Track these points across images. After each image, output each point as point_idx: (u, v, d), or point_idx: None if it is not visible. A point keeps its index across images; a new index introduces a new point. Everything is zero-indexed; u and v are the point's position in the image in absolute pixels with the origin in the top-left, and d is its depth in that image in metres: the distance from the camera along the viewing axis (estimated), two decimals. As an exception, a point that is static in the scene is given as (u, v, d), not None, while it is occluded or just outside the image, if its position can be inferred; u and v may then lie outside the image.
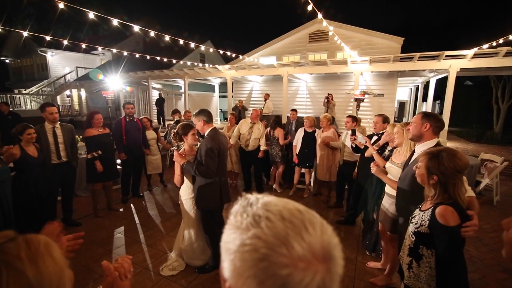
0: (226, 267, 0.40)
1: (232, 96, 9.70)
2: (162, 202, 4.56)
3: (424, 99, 11.19)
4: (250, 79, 10.61)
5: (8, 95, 14.72)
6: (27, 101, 15.49)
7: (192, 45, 7.10)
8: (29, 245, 0.51)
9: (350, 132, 3.61)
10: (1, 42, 19.37)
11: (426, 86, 10.46)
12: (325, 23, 4.88)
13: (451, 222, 1.36)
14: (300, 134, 4.55)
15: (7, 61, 19.59)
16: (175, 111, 5.54)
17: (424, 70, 7.70)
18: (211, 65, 9.22)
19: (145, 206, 4.36)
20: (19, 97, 15.39)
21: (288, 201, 0.43)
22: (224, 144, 2.59)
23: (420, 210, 1.59)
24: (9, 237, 0.52)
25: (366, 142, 2.94)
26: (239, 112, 8.91)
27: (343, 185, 4.23)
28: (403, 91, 12.17)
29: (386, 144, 3.14)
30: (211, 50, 8.20)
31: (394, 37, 9.27)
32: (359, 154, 3.58)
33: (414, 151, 2.05)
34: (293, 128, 5.12)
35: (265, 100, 9.50)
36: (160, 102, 10.76)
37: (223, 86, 12.33)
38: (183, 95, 11.62)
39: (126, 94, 12.81)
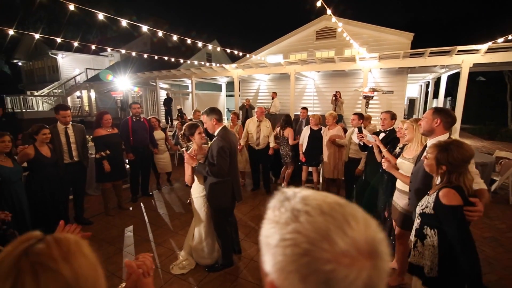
0: (267, 261, 0.40)
1: (239, 95, 9.68)
2: (171, 201, 4.59)
3: (435, 96, 10.94)
4: (257, 77, 10.58)
5: (21, 96, 15.10)
6: (39, 102, 15.86)
7: (200, 44, 7.14)
8: (59, 244, 0.50)
9: (356, 129, 3.57)
10: (14, 45, 19.88)
11: (437, 82, 10.24)
12: (334, 19, 4.80)
13: (453, 201, 1.48)
14: (306, 132, 4.51)
15: (20, 63, 20.10)
16: (181, 115, 5.50)
17: (435, 66, 7.53)
18: (218, 65, 9.23)
19: (155, 205, 4.40)
20: (32, 99, 15.76)
21: (327, 195, 0.42)
22: (235, 143, 2.59)
23: (427, 195, 1.70)
24: (37, 237, 0.51)
25: (375, 140, 2.89)
26: (246, 112, 8.89)
27: (352, 182, 4.17)
28: (413, 88, 11.93)
29: (396, 141, 3.09)
30: (218, 49, 8.20)
31: (403, 32, 9.08)
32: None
33: (426, 146, 2.03)
34: (303, 127, 5.04)
35: (272, 99, 9.46)
36: (168, 102, 10.84)
37: (230, 85, 12.34)
38: (190, 94, 11.69)
39: (134, 95, 12.97)
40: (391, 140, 3.12)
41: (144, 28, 4.92)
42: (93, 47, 5.86)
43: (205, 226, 2.73)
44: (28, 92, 18.75)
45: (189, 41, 6.45)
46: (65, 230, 1.03)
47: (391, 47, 9.13)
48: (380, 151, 3.13)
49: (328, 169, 4.39)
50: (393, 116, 3.31)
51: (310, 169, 4.73)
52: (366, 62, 7.15)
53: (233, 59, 15.96)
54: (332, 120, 4.25)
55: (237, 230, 2.98)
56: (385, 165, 2.45)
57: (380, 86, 8.43)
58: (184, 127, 2.66)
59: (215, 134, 2.54)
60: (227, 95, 13.56)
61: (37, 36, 4.51)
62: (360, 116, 3.93)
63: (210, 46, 8.22)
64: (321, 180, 4.88)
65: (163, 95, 12.82)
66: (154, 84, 11.50)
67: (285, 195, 0.43)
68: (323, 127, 4.48)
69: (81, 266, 0.49)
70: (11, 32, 4.24)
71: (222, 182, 2.49)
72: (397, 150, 2.91)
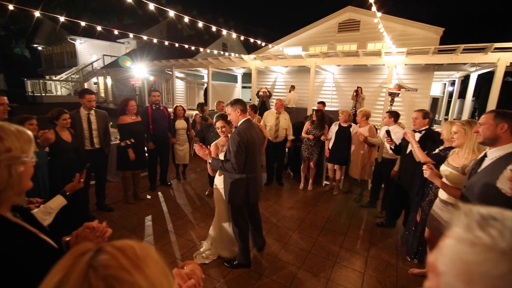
0: None
1: (256, 88, 9.50)
2: (190, 192, 4.55)
3: (460, 95, 10.44)
4: (274, 69, 10.36)
5: (41, 81, 15.40)
6: (57, 87, 16.16)
7: (214, 28, 6.94)
8: (124, 252, 0.44)
9: (385, 132, 3.41)
10: (34, 30, 20.21)
11: (464, 81, 9.74)
12: (374, 8, 4.50)
13: None
14: (334, 128, 4.34)
15: (40, 48, 20.45)
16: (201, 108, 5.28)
17: (465, 64, 7.12)
18: (236, 55, 9.05)
19: (173, 195, 4.37)
20: (50, 83, 16.06)
21: None
22: (255, 138, 2.41)
23: None
24: (93, 249, 0.44)
25: (407, 134, 2.71)
26: (263, 103, 8.69)
27: (380, 184, 4.00)
28: (436, 87, 11.42)
29: (435, 144, 2.90)
30: (233, 35, 7.96)
31: (432, 27, 8.62)
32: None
33: (485, 156, 1.79)
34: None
35: (290, 92, 9.23)
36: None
37: (246, 76, 12.15)
38: (205, 85, 11.58)
39: (149, 84, 12.98)
40: (428, 141, 2.93)
41: (171, 13, 4.76)
42: (116, 32, 5.78)
43: (226, 217, 2.69)
44: (47, 77, 19.12)
45: (201, 24, 6.21)
46: (93, 228, 1.00)
47: (417, 42, 8.70)
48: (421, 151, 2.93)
49: (355, 169, 4.23)
50: (425, 115, 3.09)
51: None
52: (392, 57, 6.83)
53: (249, 50, 15.71)
54: (361, 117, 4.05)
55: (260, 227, 2.88)
56: (427, 173, 2.18)
57: (403, 83, 8.08)
58: (214, 120, 2.63)
59: (238, 126, 2.42)
60: (242, 87, 13.39)
61: (62, 19, 4.47)
62: (390, 114, 3.72)
63: (225, 33, 7.90)
64: (342, 179, 4.71)
65: (178, 84, 12.78)
66: (170, 73, 11.44)
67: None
68: (353, 124, 4.29)
69: (154, 271, 0.45)
70: (37, 13, 4.21)
71: (236, 179, 2.38)
72: (437, 151, 2.73)
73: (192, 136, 5.00)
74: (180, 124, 4.68)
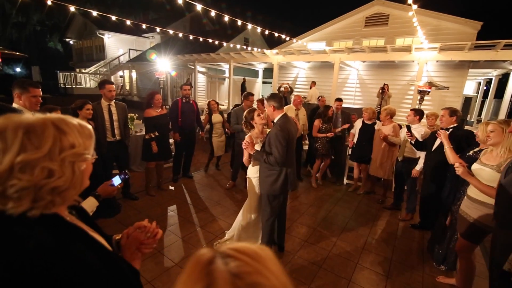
0: None
1: (278, 83, 9.41)
2: (212, 184, 4.63)
3: (496, 95, 9.72)
4: (296, 65, 10.19)
5: (72, 73, 16.24)
6: (86, 79, 16.96)
7: (239, 22, 6.93)
8: (251, 256, 0.43)
9: (405, 128, 3.34)
10: (67, 25, 21.30)
11: (502, 80, 9.06)
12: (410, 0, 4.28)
13: None
14: (358, 125, 4.24)
15: (71, 42, 21.55)
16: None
17: (505, 61, 6.60)
18: (258, 49, 9.00)
19: (196, 187, 4.46)
20: (80, 76, 16.89)
21: None
22: (293, 133, 2.47)
23: None
24: (214, 255, 0.43)
25: (441, 135, 2.57)
26: (284, 98, 8.57)
27: (403, 185, 3.85)
28: (469, 85, 10.71)
29: (464, 141, 2.75)
30: (258, 30, 7.91)
31: (469, 21, 8.04)
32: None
33: None
34: (340, 119, 4.76)
35: (310, 88, 9.05)
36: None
37: (267, 71, 12.06)
38: (226, 79, 11.65)
39: (172, 79, 13.26)
40: (457, 139, 2.77)
41: (189, 6, 4.83)
42: (143, 26, 5.95)
43: (254, 209, 2.71)
44: (77, 70, 20.12)
45: (226, 17, 6.23)
46: (145, 228, 0.96)
47: (452, 37, 8.17)
48: (454, 152, 2.79)
49: (374, 166, 4.10)
50: (452, 113, 2.98)
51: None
52: (423, 53, 6.48)
53: (270, 44, 15.56)
54: (385, 115, 3.89)
55: (284, 225, 2.86)
56: (459, 171, 2.14)
57: (433, 81, 7.65)
58: (244, 113, 2.67)
59: (275, 121, 2.46)
60: (263, 82, 13.32)
61: (94, 13, 4.68)
62: (415, 112, 3.58)
63: (250, 27, 7.86)
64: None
65: (200, 78, 12.96)
66: (193, 67, 11.62)
67: None
68: (377, 121, 4.17)
69: (279, 272, 0.44)
70: (72, 8, 4.43)
71: (277, 170, 2.44)
72: (471, 153, 2.57)
73: (227, 128, 5.06)
74: (216, 118, 4.82)
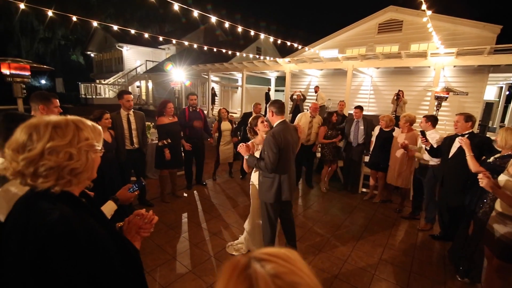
0: None
1: (290, 92, 9.45)
2: (224, 192, 4.66)
3: (520, 100, 9.29)
4: (308, 73, 10.21)
5: (92, 84, 17.04)
6: (106, 90, 17.72)
7: (252, 33, 7.08)
8: (284, 258, 0.46)
9: (420, 133, 3.29)
10: (89, 39, 22.48)
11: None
12: (424, 6, 4.25)
13: None
14: (375, 132, 4.18)
15: (92, 55, 22.68)
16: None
17: (528, 64, 6.33)
18: (271, 58, 9.11)
19: (208, 195, 4.50)
20: (100, 87, 17.68)
21: None
22: (289, 140, 2.44)
23: None
24: (248, 260, 0.45)
25: (463, 142, 2.48)
26: (296, 106, 8.60)
27: (421, 193, 3.71)
28: (490, 90, 10.30)
29: (483, 148, 2.64)
30: (271, 39, 8.03)
31: (488, 25, 7.81)
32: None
33: None
34: (361, 127, 4.56)
35: (316, 92, 9.10)
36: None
37: (279, 80, 12.15)
38: (239, 88, 11.83)
39: (186, 88, 13.62)
40: (475, 146, 2.68)
41: (203, 18, 5.00)
42: (160, 38, 6.20)
43: (258, 214, 2.73)
44: (97, 81, 21.08)
45: (240, 28, 6.38)
46: (143, 215, 1.14)
47: (469, 42, 7.96)
48: (475, 160, 2.69)
49: (391, 174, 3.99)
50: (467, 118, 2.89)
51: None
52: (439, 59, 6.33)
53: (282, 53, 15.71)
54: (404, 123, 3.80)
55: (294, 232, 2.82)
56: (483, 182, 2.00)
57: (451, 86, 7.43)
58: (250, 119, 2.72)
59: (273, 127, 2.49)
60: (275, 90, 13.41)
61: (115, 27, 4.94)
62: (428, 118, 3.49)
63: (262, 37, 7.99)
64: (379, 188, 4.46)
65: (214, 87, 13.21)
66: (206, 76, 11.89)
67: None
68: (396, 128, 4.09)
69: (309, 272, 0.47)
70: (95, 23, 4.70)
71: (268, 177, 2.45)
72: (491, 159, 2.46)
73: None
74: (225, 125, 4.89)
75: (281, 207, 2.62)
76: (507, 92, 10.17)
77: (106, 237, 0.78)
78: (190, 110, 4.47)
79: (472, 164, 2.35)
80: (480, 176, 2.06)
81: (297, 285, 0.42)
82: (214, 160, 5.16)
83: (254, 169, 2.70)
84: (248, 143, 2.60)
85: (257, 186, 2.67)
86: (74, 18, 4.49)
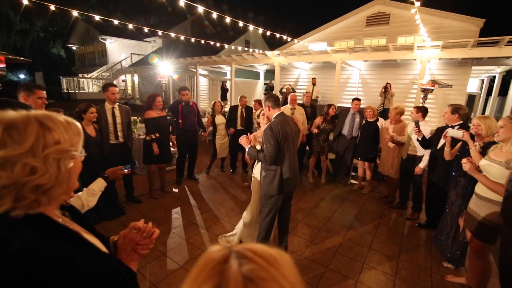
0: None
1: (280, 85, 9.40)
2: (215, 186, 4.61)
3: (501, 92, 9.63)
4: (297, 66, 10.18)
5: (75, 78, 16.40)
6: (89, 84, 17.11)
7: (241, 24, 6.95)
8: (267, 259, 0.40)
9: (413, 124, 3.31)
10: (70, 31, 21.53)
11: (506, 77, 8.97)
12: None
13: None
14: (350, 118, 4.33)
15: (74, 48, 21.77)
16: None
17: (509, 57, 6.54)
18: (260, 51, 9.01)
19: (199, 190, 4.44)
20: (83, 81, 17.04)
21: None
22: (288, 131, 2.42)
23: None
24: (228, 254, 0.40)
25: (463, 135, 2.49)
26: (286, 99, 8.58)
27: (408, 183, 3.80)
28: (473, 83, 10.62)
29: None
30: (260, 31, 7.92)
31: (472, 18, 7.99)
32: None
33: None
34: (357, 120, 4.49)
35: (314, 84, 9.07)
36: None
37: (269, 73, 12.08)
38: (228, 81, 11.67)
39: (174, 82, 13.32)
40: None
41: (190, 9, 4.86)
42: (145, 30, 5.99)
43: (258, 207, 2.72)
44: (80, 75, 20.31)
45: (227, 19, 6.23)
46: (140, 229, 0.92)
47: (454, 35, 8.13)
48: (451, 149, 2.77)
49: (383, 165, 4.06)
50: (454, 110, 2.94)
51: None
52: (425, 51, 6.43)
53: (271, 46, 15.59)
54: (395, 115, 3.83)
55: (287, 228, 2.81)
56: (466, 167, 2.12)
57: (436, 79, 7.60)
58: (256, 113, 2.83)
59: (271, 120, 2.47)
60: (264, 84, 13.33)
61: (97, 17, 4.71)
62: (418, 109, 3.56)
63: (251, 28, 7.80)
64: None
65: (202, 81, 12.98)
66: (194, 70, 11.65)
67: None
68: (379, 118, 4.15)
69: (294, 279, 0.40)
70: (75, 13, 4.47)
71: (270, 170, 2.44)
72: (478, 148, 2.52)
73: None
74: (220, 119, 4.82)
75: (283, 199, 2.62)
76: (488, 85, 10.53)
77: (89, 268, 0.61)
78: (183, 104, 4.37)
79: (475, 156, 2.33)
80: (463, 160, 2.15)
81: None
82: (207, 154, 5.10)
83: (256, 162, 2.71)
84: (250, 135, 2.60)
85: (258, 179, 2.65)
86: (52, 7, 4.24)
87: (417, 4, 4.05)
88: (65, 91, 15.83)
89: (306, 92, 5.85)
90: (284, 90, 8.62)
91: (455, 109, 2.96)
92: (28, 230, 0.57)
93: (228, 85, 11.66)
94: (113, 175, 1.49)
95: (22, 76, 26.72)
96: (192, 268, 0.40)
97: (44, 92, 2.34)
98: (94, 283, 0.60)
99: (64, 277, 0.54)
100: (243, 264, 0.38)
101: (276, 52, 8.76)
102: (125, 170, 1.53)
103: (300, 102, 5.18)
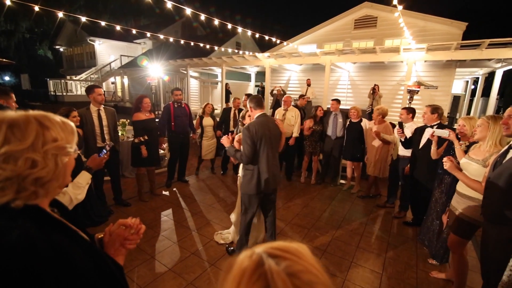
0: None
1: (270, 87, 9.46)
2: (205, 188, 4.59)
3: (484, 93, 9.95)
4: (288, 68, 10.28)
5: (62, 80, 16.05)
6: (77, 86, 16.77)
7: (230, 26, 6.98)
8: (296, 254, 0.42)
9: (397, 125, 3.39)
10: (57, 32, 21.07)
11: (488, 79, 9.29)
12: (398, 5, 4.38)
13: None
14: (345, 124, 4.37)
15: (61, 49, 21.31)
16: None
17: (490, 60, 6.78)
18: (250, 53, 9.05)
19: (189, 192, 4.42)
20: (71, 83, 16.70)
21: None
22: (266, 133, 2.43)
23: None
24: (260, 255, 0.41)
25: (449, 134, 2.57)
26: (277, 101, 8.64)
27: (397, 183, 3.89)
28: (458, 84, 10.94)
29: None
30: (249, 33, 7.96)
31: (455, 22, 8.25)
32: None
33: (510, 148, 1.73)
34: (340, 120, 4.66)
35: (309, 85, 9.17)
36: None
37: (259, 75, 12.12)
38: (219, 83, 11.67)
39: (165, 84, 13.22)
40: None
41: (180, 11, 4.86)
42: (134, 31, 5.94)
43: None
44: (68, 77, 19.90)
45: (216, 21, 6.24)
46: (129, 225, 0.94)
47: (439, 38, 8.37)
48: (437, 148, 2.86)
49: (368, 165, 4.14)
50: (434, 110, 3.04)
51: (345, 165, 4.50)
52: (411, 54, 6.60)
53: (262, 48, 15.67)
54: (377, 115, 3.93)
55: (274, 227, 2.81)
56: (447, 165, 2.18)
57: (423, 81, 7.80)
58: (241, 113, 2.92)
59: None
60: (256, 85, 13.38)
61: (83, 19, 4.64)
62: (408, 110, 3.64)
63: (240, 30, 7.82)
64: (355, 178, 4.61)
65: (193, 83, 12.94)
66: (185, 72, 11.60)
67: None
68: (363, 119, 4.25)
69: (321, 268, 0.43)
70: (60, 14, 4.39)
71: (248, 169, 2.49)
72: (463, 147, 2.61)
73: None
74: (207, 121, 4.81)
75: (263, 199, 2.63)
76: (472, 86, 10.87)
77: (82, 258, 0.65)
78: (176, 105, 4.34)
79: (459, 155, 2.40)
80: (444, 159, 2.22)
81: (314, 285, 0.39)
82: (196, 156, 5.09)
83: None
84: (231, 135, 2.62)
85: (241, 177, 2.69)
86: (37, 8, 4.14)
87: (400, 8, 4.16)
88: (52, 93, 15.48)
89: (305, 96, 5.98)
90: (275, 92, 8.68)
91: (435, 108, 3.06)
92: (26, 221, 0.61)
93: (192, 85, 11.60)
94: (94, 164, 1.53)
95: (7, 78, 26.01)
96: (224, 282, 0.41)
97: (12, 94, 2.33)
98: (89, 275, 0.65)
99: (62, 267, 0.59)
100: (280, 263, 0.39)
101: (266, 54, 8.82)
102: (103, 155, 1.58)
103: (293, 104, 5.23)
